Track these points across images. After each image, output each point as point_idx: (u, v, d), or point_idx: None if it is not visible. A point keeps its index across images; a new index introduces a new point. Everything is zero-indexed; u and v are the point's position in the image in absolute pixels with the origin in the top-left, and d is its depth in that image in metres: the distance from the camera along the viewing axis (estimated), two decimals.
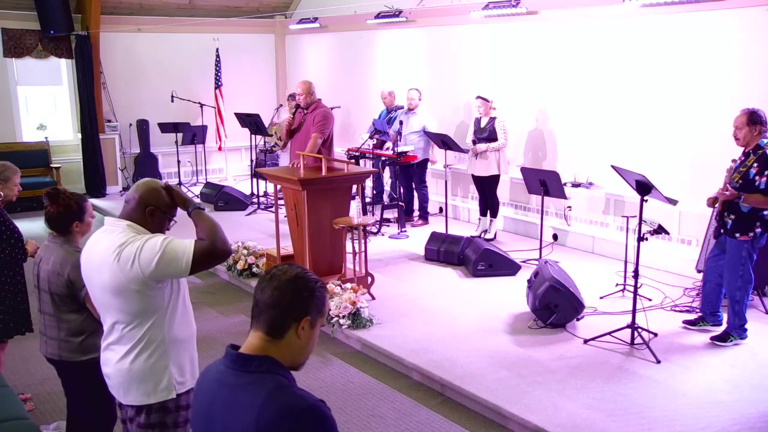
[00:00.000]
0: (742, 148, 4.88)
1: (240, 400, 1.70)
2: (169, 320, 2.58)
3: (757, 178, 4.66)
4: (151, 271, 2.43)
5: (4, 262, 4.04)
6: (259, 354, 1.75)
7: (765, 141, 4.75)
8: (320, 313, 1.82)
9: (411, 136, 8.42)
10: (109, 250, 2.49)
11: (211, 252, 2.50)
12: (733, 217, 4.82)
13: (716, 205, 4.95)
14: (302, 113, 7.09)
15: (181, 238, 2.53)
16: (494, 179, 7.79)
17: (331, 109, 7.30)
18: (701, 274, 6.08)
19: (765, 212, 4.76)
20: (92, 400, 3.27)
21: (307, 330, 1.78)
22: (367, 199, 8.76)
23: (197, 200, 10.34)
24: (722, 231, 4.92)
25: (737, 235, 4.81)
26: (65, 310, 3.24)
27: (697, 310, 5.63)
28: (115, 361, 2.61)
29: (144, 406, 2.61)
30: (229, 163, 12.11)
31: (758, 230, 4.78)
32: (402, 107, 8.66)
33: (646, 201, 4.96)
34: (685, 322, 5.35)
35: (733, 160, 4.90)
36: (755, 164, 4.68)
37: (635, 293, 5.02)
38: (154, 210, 2.61)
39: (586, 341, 5.07)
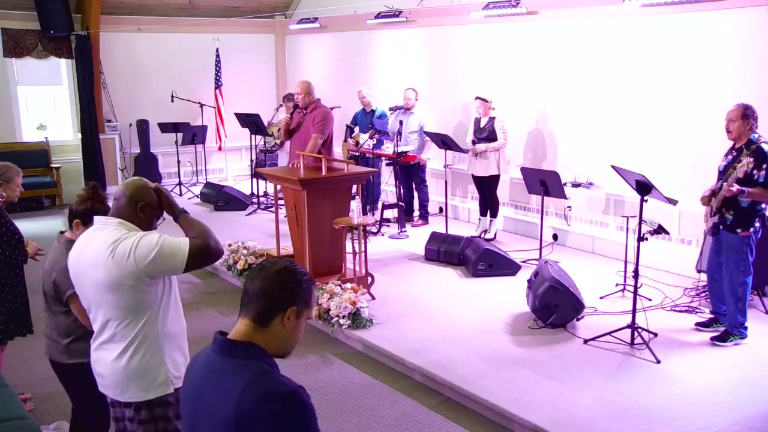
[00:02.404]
0: (730, 145, 4.97)
1: (224, 384, 1.75)
2: (162, 316, 2.60)
3: (755, 172, 4.71)
4: (146, 266, 2.46)
5: (5, 264, 4.03)
6: (244, 340, 1.81)
7: (756, 136, 4.82)
8: (306, 305, 1.88)
9: (410, 135, 8.43)
10: (103, 247, 2.51)
11: (206, 249, 2.54)
12: (732, 212, 4.85)
13: (711, 203, 4.98)
14: (301, 113, 7.08)
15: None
16: (494, 179, 7.79)
17: (331, 109, 7.30)
18: (702, 274, 6.10)
19: (763, 206, 4.83)
20: (86, 403, 3.27)
21: (292, 320, 1.84)
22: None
23: (196, 200, 10.37)
24: (721, 227, 4.95)
25: (739, 230, 4.85)
26: (56, 310, 3.27)
27: (697, 310, 5.64)
28: (110, 360, 2.61)
29: (144, 402, 2.61)
30: (229, 163, 12.11)
31: (757, 224, 4.85)
32: (401, 107, 8.65)
33: (646, 201, 4.97)
34: (698, 324, 5.33)
35: (726, 156, 4.94)
36: (751, 158, 4.72)
37: (635, 293, 5.02)
38: (144, 206, 2.64)
39: (586, 341, 5.07)
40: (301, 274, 1.86)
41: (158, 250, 2.46)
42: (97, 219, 2.67)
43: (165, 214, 2.79)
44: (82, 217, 3.19)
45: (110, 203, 3.23)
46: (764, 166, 4.69)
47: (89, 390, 2.89)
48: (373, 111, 9.01)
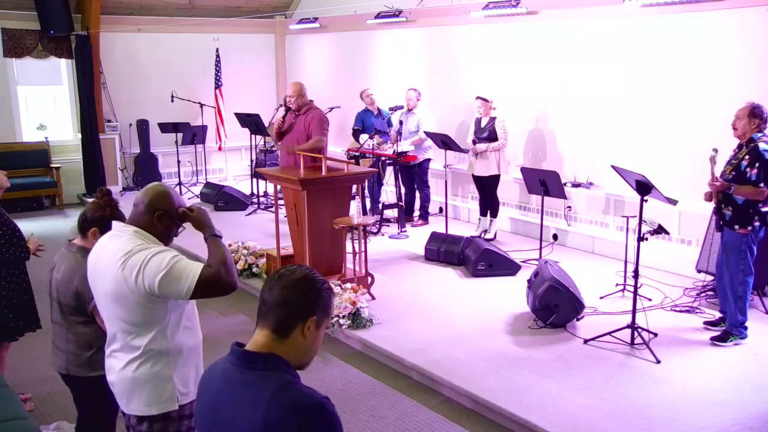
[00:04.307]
0: (738, 142, 4.95)
1: (246, 397, 1.71)
2: (172, 331, 2.53)
3: (748, 169, 4.74)
4: (150, 286, 2.38)
5: (8, 262, 4.04)
6: (264, 352, 1.76)
7: (759, 135, 4.82)
8: (326, 314, 1.84)
9: (409, 136, 8.43)
10: (116, 257, 2.45)
11: (216, 280, 2.43)
12: (730, 208, 4.87)
13: (713, 199, 4.99)
14: (293, 115, 7.04)
15: (189, 243, 2.48)
16: (494, 179, 7.79)
17: (330, 109, 7.27)
18: (701, 274, 6.10)
19: (761, 205, 4.82)
20: (99, 416, 3.24)
21: (312, 330, 1.80)
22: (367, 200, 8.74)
23: (197, 200, 10.35)
24: (722, 223, 4.96)
25: (736, 227, 4.85)
26: (74, 321, 3.17)
27: (697, 310, 5.65)
28: (118, 368, 2.58)
29: (146, 417, 2.57)
30: (229, 163, 12.10)
31: (757, 224, 4.83)
32: (401, 107, 8.66)
33: (646, 201, 4.97)
34: (706, 323, 5.33)
35: (714, 149, 4.92)
36: (747, 156, 4.75)
37: (635, 293, 5.02)
38: (162, 214, 2.53)
39: (586, 341, 5.07)
40: (320, 283, 1.82)
41: (166, 273, 2.37)
42: (115, 225, 2.58)
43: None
44: (101, 224, 3.10)
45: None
46: (757, 164, 4.71)
47: (107, 401, 2.85)
48: (380, 111, 8.98)
